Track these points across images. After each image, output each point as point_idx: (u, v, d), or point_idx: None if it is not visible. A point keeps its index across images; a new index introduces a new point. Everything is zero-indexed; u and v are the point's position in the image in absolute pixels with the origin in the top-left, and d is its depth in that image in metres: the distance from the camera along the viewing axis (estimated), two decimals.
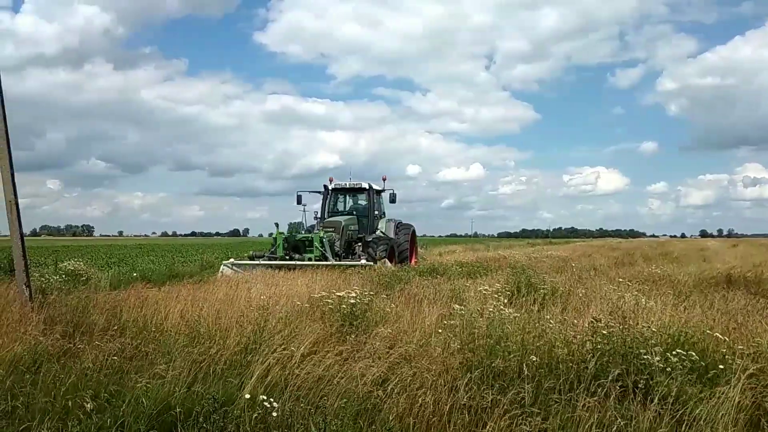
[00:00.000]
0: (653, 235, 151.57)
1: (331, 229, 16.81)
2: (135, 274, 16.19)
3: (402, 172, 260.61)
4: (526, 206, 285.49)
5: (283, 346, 5.77)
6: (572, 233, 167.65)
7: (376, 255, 16.32)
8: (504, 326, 5.80)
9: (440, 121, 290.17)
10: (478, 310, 6.53)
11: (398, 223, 20.18)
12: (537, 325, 6.07)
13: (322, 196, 19.36)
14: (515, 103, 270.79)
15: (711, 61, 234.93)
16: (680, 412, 4.25)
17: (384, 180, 20.14)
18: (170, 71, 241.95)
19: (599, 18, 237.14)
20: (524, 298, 8.57)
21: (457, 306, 6.76)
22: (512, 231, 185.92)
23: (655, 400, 4.34)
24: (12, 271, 12.38)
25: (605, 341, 5.15)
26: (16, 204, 12.74)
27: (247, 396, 4.44)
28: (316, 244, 15.57)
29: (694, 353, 4.78)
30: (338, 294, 7.52)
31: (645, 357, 4.80)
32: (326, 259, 15.49)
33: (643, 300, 7.62)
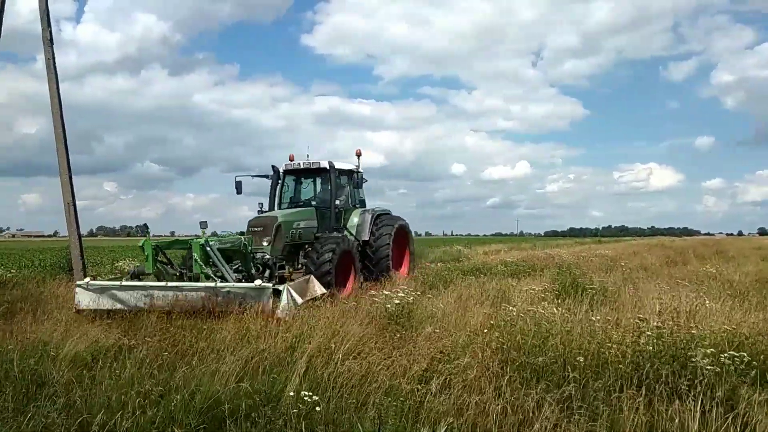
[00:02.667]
0: (708, 234, 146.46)
1: (257, 230, 11.18)
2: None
3: (447, 171, 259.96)
4: (575, 204, 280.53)
5: (328, 344, 5.85)
6: (622, 232, 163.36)
7: (316, 263, 10.80)
8: (551, 327, 5.74)
9: (487, 119, 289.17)
10: (527, 311, 6.47)
11: (378, 214, 14.26)
12: (585, 325, 5.98)
13: (271, 182, 13.82)
14: (564, 99, 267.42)
15: None
16: (732, 415, 4.12)
17: (358, 156, 14.54)
18: (222, 76, 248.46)
19: (653, 10, 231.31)
20: (572, 299, 8.43)
21: (508, 306, 6.72)
22: (559, 230, 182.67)
23: (707, 403, 4.22)
24: (70, 270, 12.91)
25: (654, 342, 5.03)
26: (74, 205, 13.28)
27: (293, 393, 4.52)
28: (195, 255, 9.30)
29: (746, 355, 4.63)
30: (385, 293, 7.66)
31: (695, 359, 4.67)
32: (224, 279, 9.28)
33: (696, 300, 7.40)
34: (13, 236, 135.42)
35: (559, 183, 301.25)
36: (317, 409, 4.26)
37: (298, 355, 5.59)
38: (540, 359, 5.02)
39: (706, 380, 4.47)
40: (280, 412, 4.36)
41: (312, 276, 10.20)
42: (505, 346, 5.49)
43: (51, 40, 12.88)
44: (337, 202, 13.23)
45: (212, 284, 8.74)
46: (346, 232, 13.34)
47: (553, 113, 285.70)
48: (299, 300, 8.79)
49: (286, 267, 11.20)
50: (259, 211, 13.16)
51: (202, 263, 9.22)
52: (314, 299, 9.20)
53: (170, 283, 9.01)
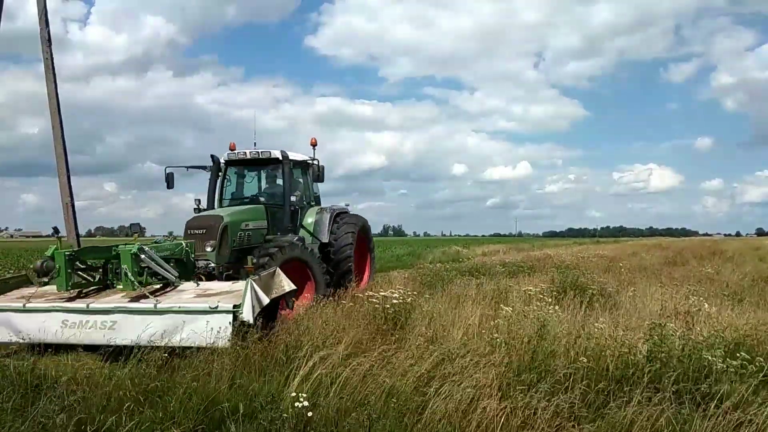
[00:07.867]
0: (706, 234, 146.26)
1: (199, 232, 9.30)
2: None
3: (448, 171, 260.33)
4: (574, 205, 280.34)
5: (327, 344, 5.84)
6: (621, 232, 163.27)
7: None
8: (550, 328, 5.72)
9: (488, 119, 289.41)
10: (524, 312, 6.46)
11: (338, 213, 12.18)
12: (585, 326, 5.97)
13: (210, 175, 11.42)
14: (565, 100, 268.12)
15: None
16: (737, 417, 4.11)
17: (313, 146, 11.95)
18: (226, 77, 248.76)
19: (656, 12, 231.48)
20: (571, 299, 8.42)
21: (505, 307, 6.71)
22: (558, 230, 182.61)
23: (712, 405, 4.21)
24: None
25: (658, 344, 5.02)
26: (72, 206, 13.25)
27: (292, 394, 4.50)
28: (125, 265, 7.29)
29: (744, 352, 4.63)
30: (382, 293, 7.63)
31: (705, 357, 4.65)
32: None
33: (695, 301, 7.41)
34: (12, 236, 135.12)
35: (558, 184, 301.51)
36: (316, 411, 4.23)
37: (296, 354, 5.57)
38: (538, 364, 5.00)
39: (711, 379, 4.47)
40: (278, 413, 4.34)
41: (278, 268, 7.70)
42: (504, 350, 5.47)
43: (49, 39, 12.85)
44: (293, 198, 10.95)
45: (150, 305, 6.69)
46: (304, 233, 11.34)
47: (554, 114, 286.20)
48: (265, 299, 6.68)
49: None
50: (196, 209, 11.04)
51: (133, 278, 7.10)
52: (280, 297, 7.36)
53: (96, 304, 6.84)
